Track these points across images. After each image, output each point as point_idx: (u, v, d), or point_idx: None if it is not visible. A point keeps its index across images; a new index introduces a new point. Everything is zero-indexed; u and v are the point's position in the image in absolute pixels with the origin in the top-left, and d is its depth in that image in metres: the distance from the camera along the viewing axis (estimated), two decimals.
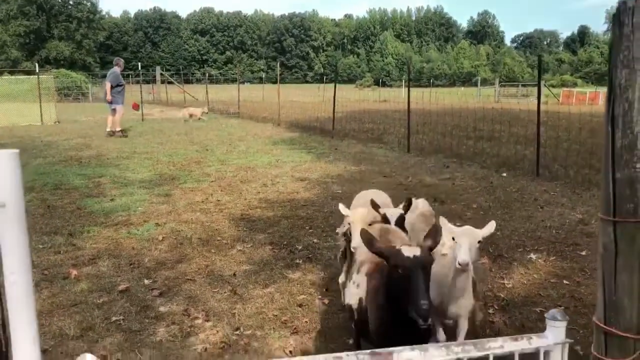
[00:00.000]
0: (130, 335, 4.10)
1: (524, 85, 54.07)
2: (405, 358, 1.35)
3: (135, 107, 20.53)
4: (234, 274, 5.26)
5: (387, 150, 13.45)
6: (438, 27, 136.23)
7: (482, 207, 7.69)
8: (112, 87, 16.16)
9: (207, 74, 47.53)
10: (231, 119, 22.63)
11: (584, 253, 5.74)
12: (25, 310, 1.16)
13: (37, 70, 21.75)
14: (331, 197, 8.24)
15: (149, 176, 10.11)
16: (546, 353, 1.41)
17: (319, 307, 4.55)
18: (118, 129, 16.33)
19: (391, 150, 13.36)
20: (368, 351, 1.35)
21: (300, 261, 5.60)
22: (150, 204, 8.01)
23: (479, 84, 52.58)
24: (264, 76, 62.92)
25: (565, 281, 4.98)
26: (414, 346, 1.36)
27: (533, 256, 5.65)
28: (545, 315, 1.42)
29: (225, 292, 4.86)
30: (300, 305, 4.58)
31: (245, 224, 6.94)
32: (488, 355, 1.37)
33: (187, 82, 53.16)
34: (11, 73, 42.55)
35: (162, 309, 4.55)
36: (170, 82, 39.54)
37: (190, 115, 21.75)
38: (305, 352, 3.82)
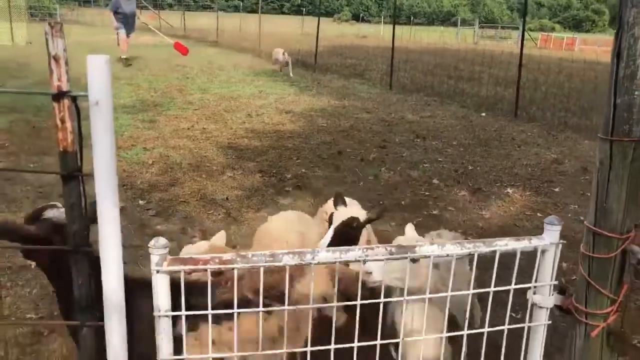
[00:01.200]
0: (131, 250, 4.31)
1: (503, 28, 53.82)
2: (427, 251, 1.59)
3: (181, 49, 14.63)
4: (227, 198, 5.47)
5: (369, 86, 13.54)
6: None
7: (462, 144, 7.97)
8: (114, 14, 15.00)
9: (182, 0, 45.93)
10: (210, 48, 22.19)
11: (557, 189, 6.10)
12: (111, 193, 1.35)
13: None
14: (317, 130, 8.40)
15: (131, 102, 10.07)
16: (543, 252, 1.66)
17: None
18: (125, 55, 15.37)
19: (373, 87, 13.45)
20: (395, 244, 1.58)
21: (290, 189, 5.82)
22: (136, 129, 8.07)
23: (458, 24, 52.07)
24: (240, 5, 60.98)
25: (539, 214, 5.33)
26: (434, 241, 1.60)
27: (509, 190, 5.99)
28: (544, 220, 1.66)
29: (219, 214, 5.09)
30: None
31: (233, 152, 7.09)
32: (495, 250, 1.62)
33: (161, 8, 51.30)
34: None
35: (159, 227, 4.76)
36: (144, 7, 38.15)
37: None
38: None
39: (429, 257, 1.58)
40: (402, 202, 5.56)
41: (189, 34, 27.14)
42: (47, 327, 3.25)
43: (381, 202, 5.51)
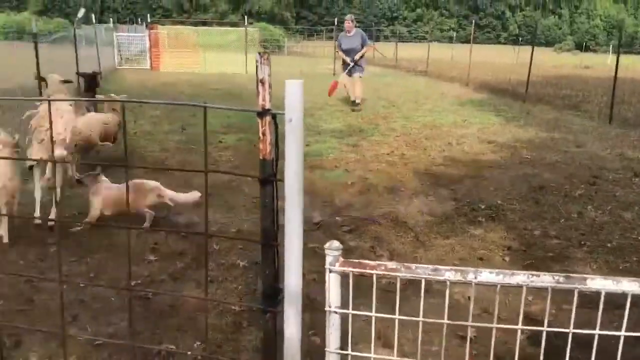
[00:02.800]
0: (325, 261, 4.64)
1: None
2: (598, 285, 1.52)
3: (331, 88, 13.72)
4: (417, 223, 5.57)
5: (584, 119, 12.55)
6: None
7: None
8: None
9: (397, 32, 47.54)
10: (418, 77, 22.63)
11: None
12: (296, 196, 1.57)
13: (246, 24, 23.73)
14: (519, 162, 8.08)
15: (339, 127, 10.77)
16: None
17: (499, 263, 4.68)
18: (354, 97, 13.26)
19: (589, 120, 12.44)
20: (564, 274, 1.55)
21: (483, 219, 5.71)
22: (341, 152, 8.61)
23: None
24: (454, 35, 61.04)
25: None
26: (608, 277, 1.53)
27: None
28: None
29: (408, 237, 5.20)
30: (480, 259, 4.75)
31: (429, 178, 7.18)
32: None
33: (376, 39, 53.82)
34: (219, 25, 46.82)
35: (351, 243, 5.04)
36: None
37: None
38: (482, 299, 4.00)
39: (599, 291, 1.51)
40: (608, 245, 5.09)
41: (399, 64, 28.00)
42: (246, 319, 3.67)
43: (583, 243, 5.12)
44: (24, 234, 4.93)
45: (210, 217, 5.57)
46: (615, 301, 1.59)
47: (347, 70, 13.15)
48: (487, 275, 1.56)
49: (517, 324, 1.71)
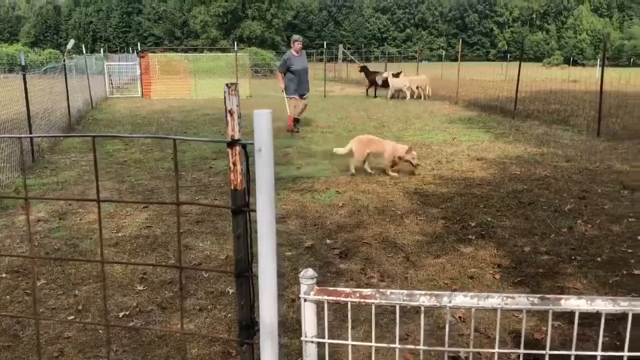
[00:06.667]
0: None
1: None
2: (572, 305, 1.52)
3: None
4: (407, 243, 5.56)
5: (573, 133, 12.64)
6: None
7: None
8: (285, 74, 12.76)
9: (386, 52, 47.98)
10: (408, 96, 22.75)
11: None
12: (269, 227, 1.56)
13: (236, 49, 23.90)
14: (508, 178, 8.11)
15: (330, 148, 10.77)
16: None
17: (490, 281, 4.67)
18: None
19: (578, 134, 12.53)
20: (538, 295, 1.55)
21: (473, 237, 5.71)
22: (332, 173, 8.62)
23: None
24: (443, 54, 61.68)
25: None
26: (582, 295, 1.53)
27: None
28: None
29: (398, 258, 5.19)
30: (471, 277, 4.74)
31: (419, 197, 7.19)
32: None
33: (366, 60, 54.22)
34: (210, 50, 47.16)
35: (341, 266, 5.02)
36: (351, 61, 40.76)
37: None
38: (475, 318, 3.98)
39: (573, 311, 1.51)
40: (598, 259, 5.09)
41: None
42: (234, 349, 3.63)
43: (573, 257, 5.12)
44: (15, 265, 4.90)
45: (200, 244, 5.56)
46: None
47: (296, 94, 12.79)
48: (461, 299, 1.55)
49: (505, 344, 1.70)
